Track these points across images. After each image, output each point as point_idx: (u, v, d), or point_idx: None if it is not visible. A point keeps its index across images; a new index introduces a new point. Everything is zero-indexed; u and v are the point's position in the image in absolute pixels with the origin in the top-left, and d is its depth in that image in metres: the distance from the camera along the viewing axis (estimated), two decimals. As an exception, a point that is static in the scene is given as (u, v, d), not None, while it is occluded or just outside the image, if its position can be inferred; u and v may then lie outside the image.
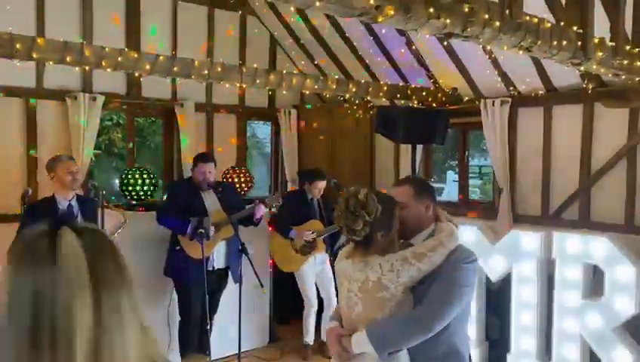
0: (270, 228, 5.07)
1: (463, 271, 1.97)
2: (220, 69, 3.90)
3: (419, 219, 2.09)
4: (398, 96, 5.14)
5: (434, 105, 5.37)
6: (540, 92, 4.90)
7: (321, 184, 4.83)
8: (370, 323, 1.94)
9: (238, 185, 5.42)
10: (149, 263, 4.38)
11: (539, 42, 2.75)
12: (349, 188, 2.04)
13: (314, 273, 4.88)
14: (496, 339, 4.71)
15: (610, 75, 3.52)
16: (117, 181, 4.95)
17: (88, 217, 3.67)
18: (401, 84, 5.34)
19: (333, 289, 4.92)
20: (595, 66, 3.21)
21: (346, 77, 5.69)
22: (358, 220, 1.94)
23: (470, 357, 2.12)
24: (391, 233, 1.99)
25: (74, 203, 3.67)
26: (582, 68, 3.19)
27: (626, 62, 3.31)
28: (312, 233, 4.68)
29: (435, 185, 3.65)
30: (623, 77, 3.48)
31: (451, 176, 11.91)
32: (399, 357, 1.95)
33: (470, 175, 6.89)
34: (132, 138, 5.95)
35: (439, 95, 5.33)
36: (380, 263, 1.94)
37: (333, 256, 4.81)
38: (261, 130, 12.09)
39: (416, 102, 5.28)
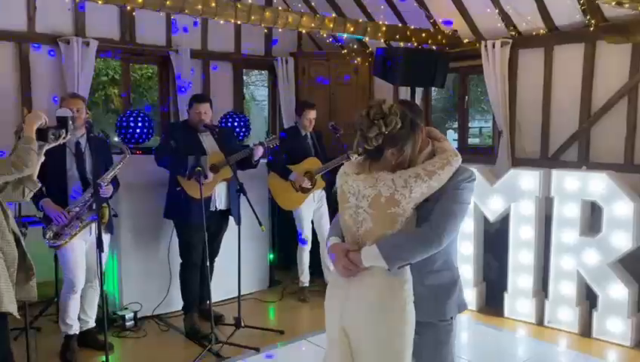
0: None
1: (465, 189, 2.03)
2: (214, 4, 3.80)
3: None
4: (397, 37, 5.04)
5: (433, 47, 5.28)
6: (542, 31, 4.80)
7: (311, 114, 4.78)
8: (380, 238, 1.96)
9: (235, 130, 5.36)
10: (149, 206, 4.38)
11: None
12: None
13: (312, 210, 4.90)
14: (494, 280, 4.76)
15: (613, 4, 3.43)
16: (115, 136, 4.89)
17: (101, 155, 3.67)
18: (399, 25, 5.23)
19: (328, 226, 4.95)
20: (598, -9, 3.13)
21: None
22: (373, 128, 1.92)
23: (458, 268, 2.19)
24: (403, 154, 1.98)
25: (82, 140, 3.65)
26: (585, -6, 3.09)
27: (630, -12, 3.23)
28: (308, 181, 4.69)
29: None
30: (627, 5, 3.40)
31: (452, 135, 12.04)
32: (404, 271, 1.99)
33: (470, 136, 6.82)
34: (127, 85, 5.87)
35: (439, 37, 5.23)
36: (392, 178, 1.95)
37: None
38: (259, 92, 11.98)
39: (415, 44, 5.19)
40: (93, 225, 3.60)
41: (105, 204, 3.60)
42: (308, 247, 4.94)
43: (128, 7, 3.75)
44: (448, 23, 5.22)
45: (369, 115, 1.94)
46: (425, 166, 1.98)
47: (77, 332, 3.77)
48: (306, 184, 4.70)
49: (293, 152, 4.79)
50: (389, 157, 1.98)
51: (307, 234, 4.90)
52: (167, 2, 3.62)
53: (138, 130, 4.64)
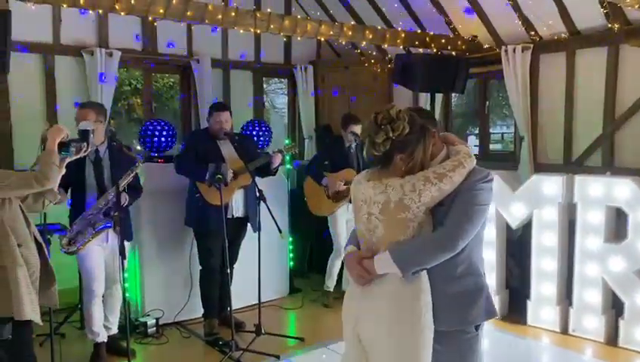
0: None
1: (481, 190, 1.95)
2: (233, 14, 3.84)
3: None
4: (417, 43, 5.03)
5: (453, 53, 5.26)
6: (563, 35, 4.75)
7: (356, 129, 4.73)
8: (393, 244, 1.94)
9: (256, 138, 5.39)
10: (170, 214, 4.43)
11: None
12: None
13: (345, 219, 4.87)
14: (516, 287, 4.70)
15: (636, 7, 3.38)
16: (137, 146, 4.97)
17: (123, 164, 3.66)
18: (418, 31, 5.22)
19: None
20: (621, -6, 3.09)
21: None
22: (381, 133, 1.90)
23: (485, 275, 2.11)
24: (412, 159, 1.94)
25: (102, 148, 3.70)
26: (607, -3, 3.05)
27: (653, -10, 3.18)
28: (344, 184, 4.68)
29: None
30: (650, 8, 3.34)
31: (473, 141, 11.99)
32: (421, 280, 1.94)
33: (491, 142, 6.77)
34: (149, 95, 5.96)
35: (459, 43, 5.20)
36: (401, 184, 1.93)
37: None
38: (280, 100, 12.07)
39: (435, 50, 5.17)
40: (110, 232, 3.65)
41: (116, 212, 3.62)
42: (342, 256, 4.92)
43: (150, 18, 3.82)
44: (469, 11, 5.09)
45: (376, 120, 1.92)
46: (435, 169, 1.94)
47: (105, 340, 3.81)
48: (340, 186, 4.68)
49: (334, 162, 4.81)
50: (398, 163, 1.96)
51: (342, 242, 4.81)
52: (188, 12, 3.68)
53: (158, 138, 4.69)
